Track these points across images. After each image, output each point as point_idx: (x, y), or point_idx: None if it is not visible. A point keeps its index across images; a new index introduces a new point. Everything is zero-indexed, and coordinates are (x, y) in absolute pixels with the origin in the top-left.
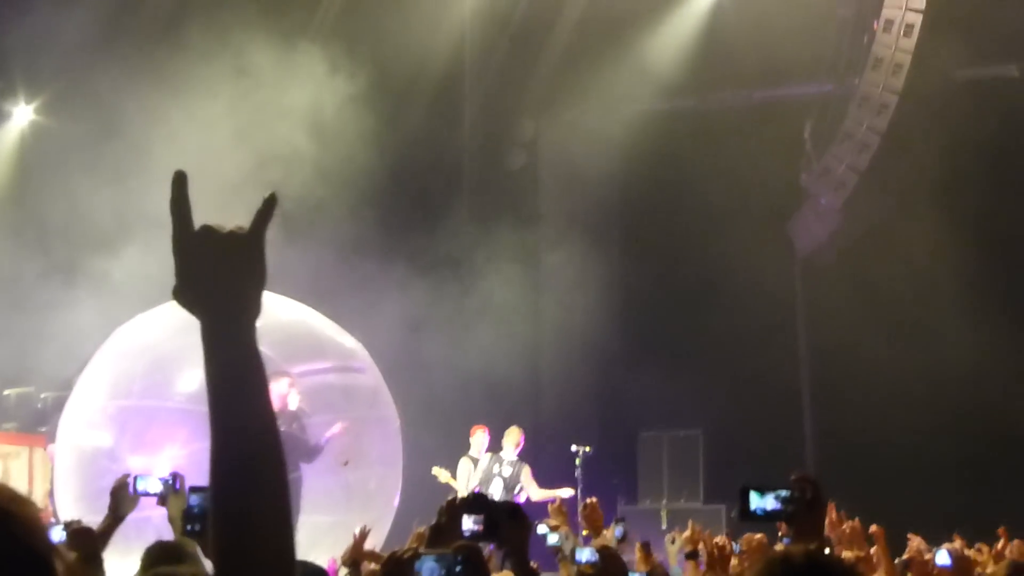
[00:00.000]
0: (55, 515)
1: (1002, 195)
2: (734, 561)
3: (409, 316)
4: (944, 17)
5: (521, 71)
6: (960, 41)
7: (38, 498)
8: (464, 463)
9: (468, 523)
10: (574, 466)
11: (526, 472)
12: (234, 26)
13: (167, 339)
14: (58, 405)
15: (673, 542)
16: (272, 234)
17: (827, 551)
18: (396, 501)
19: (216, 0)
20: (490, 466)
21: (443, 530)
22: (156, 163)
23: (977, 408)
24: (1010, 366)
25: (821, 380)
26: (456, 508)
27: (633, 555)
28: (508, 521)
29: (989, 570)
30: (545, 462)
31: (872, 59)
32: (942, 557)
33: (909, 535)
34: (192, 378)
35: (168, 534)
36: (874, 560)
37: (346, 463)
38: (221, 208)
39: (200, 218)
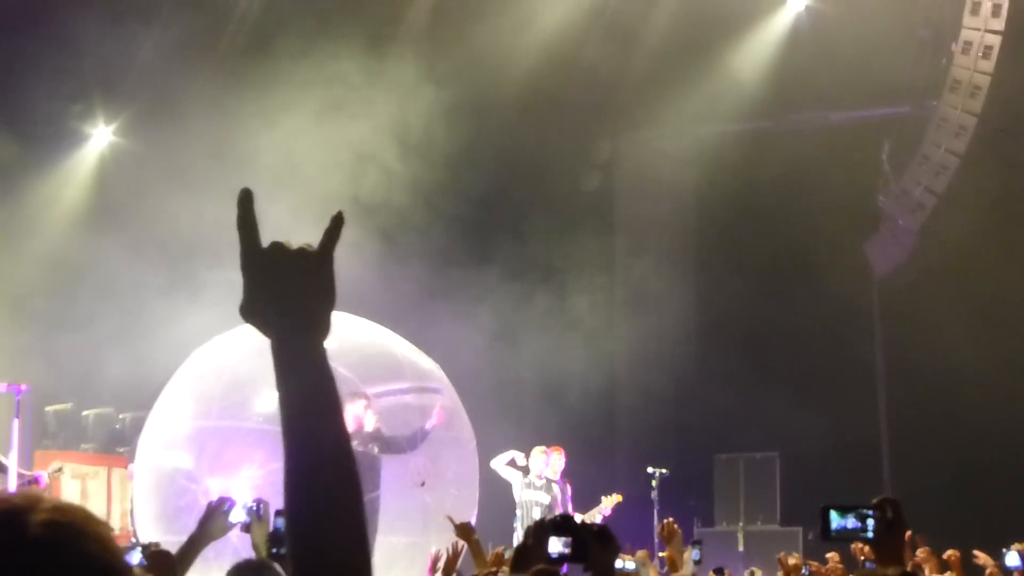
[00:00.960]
0: (135, 535)
1: None
2: None
3: (484, 335)
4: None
5: (600, 91)
6: None
7: (116, 518)
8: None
9: (556, 545)
10: (651, 487)
11: (563, 492)
12: (318, 40)
13: (244, 360)
14: (136, 426)
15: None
16: (370, 244)
17: None
18: (473, 522)
19: (300, 12)
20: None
21: (529, 552)
22: (238, 180)
23: None
24: None
25: (898, 402)
26: (543, 530)
27: None
28: (596, 543)
29: None
30: (621, 483)
31: (950, 81)
32: (1012, 559)
33: (975, 552)
34: (269, 398)
35: (244, 552)
36: None
37: (422, 484)
38: (310, 222)
39: (287, 232)
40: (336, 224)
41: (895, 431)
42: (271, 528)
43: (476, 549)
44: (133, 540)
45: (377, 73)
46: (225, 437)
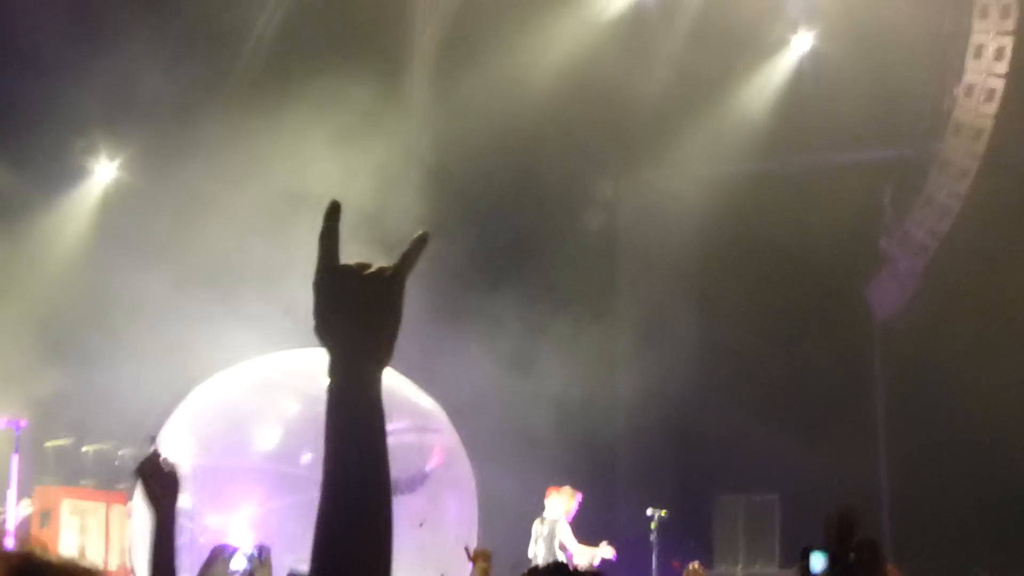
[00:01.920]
0: (133, 573)
1: None
2: None
3: (483, 378)
4: None
5: (602, 131)
6: None
7: (115, 555)
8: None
9: None
10: (649, 529)
11: (563, 527)
12: (330, 67)
13: (245, 397)
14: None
15: None
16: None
17: None
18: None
19: (312, 40)
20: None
21: None
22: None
23: None
24: None
25: (898, 445)
26: None
27: None
28: None
29: None
30: (620, 525)
31: (953, 124)
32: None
33: None
34: (270, 437)
35: None
36: None
37: (421, 524)
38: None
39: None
40: (416, 246)
41: (895, 474)
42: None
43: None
44: None
45: (389, 102)
46: (226, 476)
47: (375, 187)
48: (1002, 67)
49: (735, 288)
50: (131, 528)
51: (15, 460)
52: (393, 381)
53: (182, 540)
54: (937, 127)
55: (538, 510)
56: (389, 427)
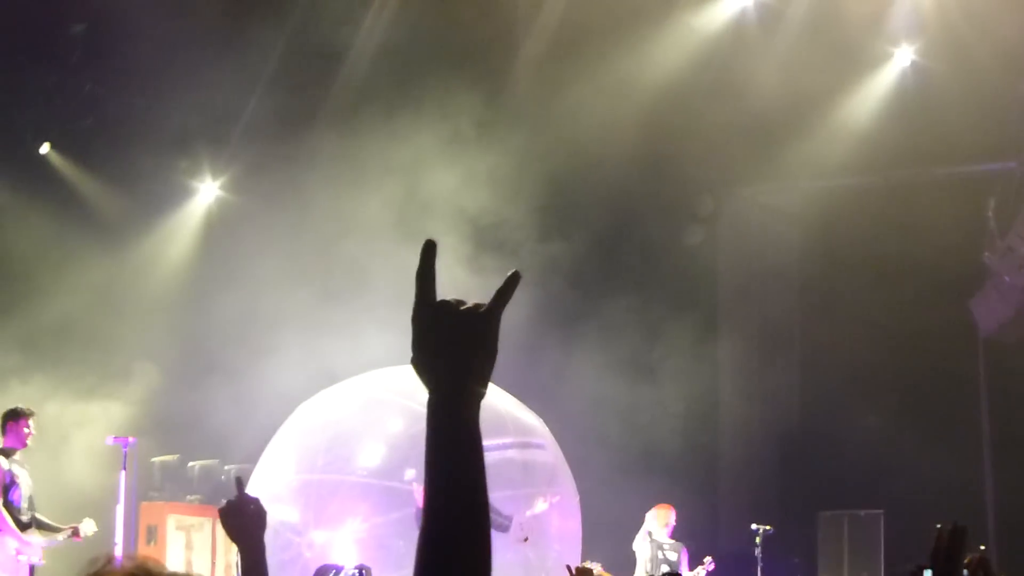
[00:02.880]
0: None
1: None
2: None
3: (589, 390)
4: None
5: (704, 145)
6: None
7: (220, 570)
8: (642, 543)
9: None
10: (754, 545)
11: (683, 554)
12: (431, 94)
13: (349, 414)
14: (242, 478)
15: None
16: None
17: None
18: None
19: (410, 67)
20: (654, 551)
21: None
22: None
23: None
24: None
25: (1005, 461)
26: None
27: None
28: None
29: None
30: (724, 541)
31: None
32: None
33: None
34: (374, 453)
35: None
36: None
37: (526, 539)
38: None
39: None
40: (510, 284)
41: (1001, 487)
42: None
43: None
44: None
45: (500, 111)
46: (330, 490)
47: (490, 194)
48: None
49: (838, 303)
50: None
51: (123, 476)
52: (496, 397)
53: (289, 554)
54: None
55: (638, 524)
56: (494, 442)
